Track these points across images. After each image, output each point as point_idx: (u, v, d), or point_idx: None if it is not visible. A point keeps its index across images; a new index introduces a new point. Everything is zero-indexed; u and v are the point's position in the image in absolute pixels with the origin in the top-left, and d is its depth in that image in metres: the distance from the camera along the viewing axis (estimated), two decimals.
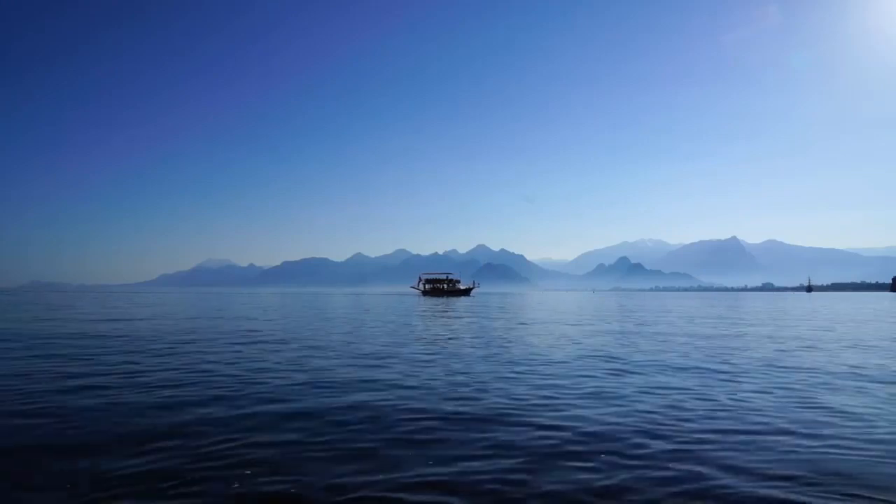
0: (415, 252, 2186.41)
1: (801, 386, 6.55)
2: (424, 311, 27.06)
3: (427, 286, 72.52)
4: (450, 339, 12.30)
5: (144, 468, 3.53)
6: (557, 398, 5.75)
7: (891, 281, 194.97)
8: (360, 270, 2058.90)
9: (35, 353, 9.38)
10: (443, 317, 21.67)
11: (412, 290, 78.64)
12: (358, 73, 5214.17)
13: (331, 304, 36.68)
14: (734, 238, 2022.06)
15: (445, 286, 71.64)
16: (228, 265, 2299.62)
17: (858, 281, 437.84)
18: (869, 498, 3.09)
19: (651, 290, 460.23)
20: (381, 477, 3.37)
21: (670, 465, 3.64)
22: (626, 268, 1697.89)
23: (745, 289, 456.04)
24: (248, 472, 3.47)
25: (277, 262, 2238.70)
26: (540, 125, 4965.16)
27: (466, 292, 73.36)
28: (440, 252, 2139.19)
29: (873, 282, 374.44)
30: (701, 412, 5.11)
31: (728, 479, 3.35)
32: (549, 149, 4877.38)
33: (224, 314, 23.04)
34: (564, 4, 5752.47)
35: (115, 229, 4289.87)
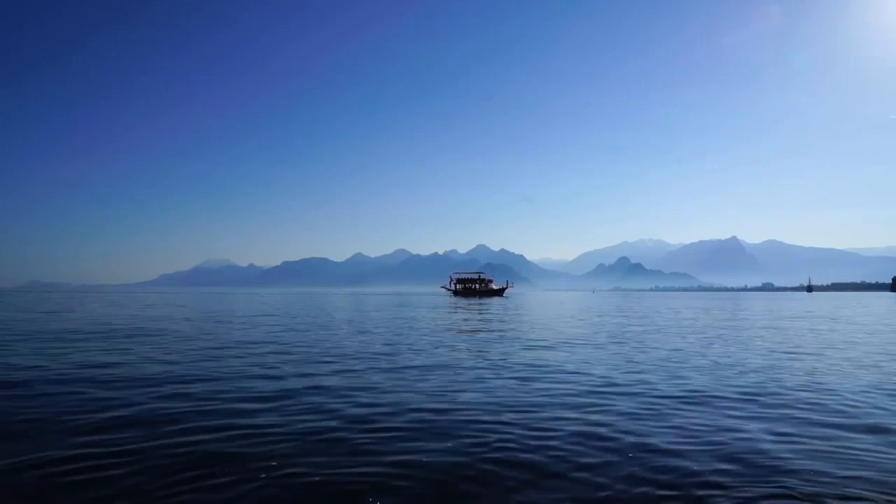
0: (415, 252, 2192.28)
1: None
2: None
3: (458, 286, 70.69)
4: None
5: None
6: None
7: (891, 281, 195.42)
8: (359, 270, 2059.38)
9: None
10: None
11: (443, 289, 76.36)
12: (358, 73, 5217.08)
13: (386, 305, 36.36)
14: (734, 238, 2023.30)
15: (477, 286, 69.62)
16: (228, 265, 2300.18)
17: (858, 281, 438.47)
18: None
19: (651, 290, 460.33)
20: None
21: None
22: (626, 268, 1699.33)
23: (745, 289, 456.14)
24: None
25: (277, 262, 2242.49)
26: (540, 125, 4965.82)
27: (500, 292, 70.80)
28: (440, 252, 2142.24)
29: (873, 282, 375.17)
30: None
31: None
32: (549, 149, 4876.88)
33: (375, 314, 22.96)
34: (564, 4, 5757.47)
35: (115, 229, 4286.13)
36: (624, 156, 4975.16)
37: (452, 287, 71.45)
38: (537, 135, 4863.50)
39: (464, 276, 72.12)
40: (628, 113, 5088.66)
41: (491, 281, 71.23)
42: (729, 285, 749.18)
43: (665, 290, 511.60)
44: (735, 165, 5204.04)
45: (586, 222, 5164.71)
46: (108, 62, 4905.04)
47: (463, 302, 42.49)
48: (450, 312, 25.30)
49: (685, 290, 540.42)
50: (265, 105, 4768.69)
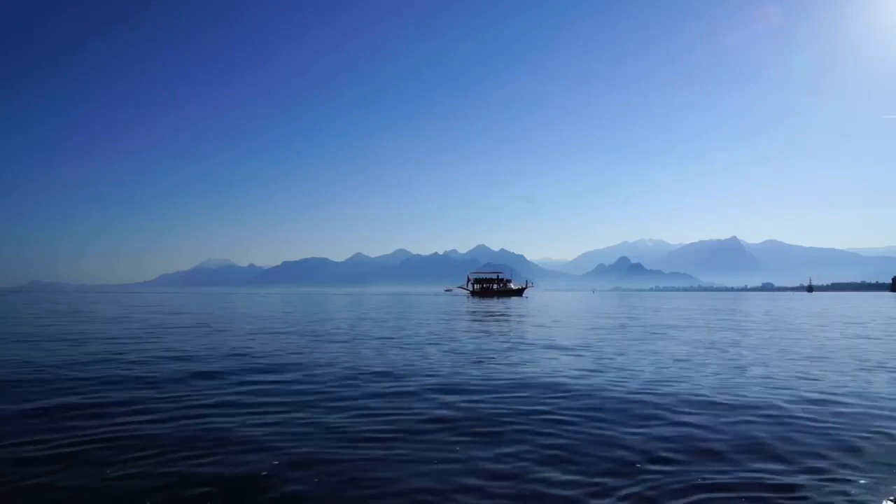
0: (415, 252, 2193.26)
1: None
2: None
3: (476, 286, 68.91)
4: None
5: None
6: None
7: (891, 281, 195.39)
8: (359, 270, 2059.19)
9: None
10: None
11: (461, 290, 73.99)
12: (358, 73, 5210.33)
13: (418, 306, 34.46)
14: (734, 238, 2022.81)
15: (496, 286, 67.85)
16: (228, 265, 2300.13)
17: (858, 281, 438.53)
18: None
19: (651, 290, 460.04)
20: None
21: None
22: (626, 268, 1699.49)
23: (745, 289, 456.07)
24: None
25: (277, 262, 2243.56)
26: (540, 125, 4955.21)
27: (519, 292, 68.44)
28: (440, 252, 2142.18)
29: (873, 282, 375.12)
30: None
31: None
32: (549, 149, 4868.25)
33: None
34: (564, 4, 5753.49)
35: (115, 229, 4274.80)
36: (624, 156, 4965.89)
37: (470, 287, 69.78)
38: (537, 135, 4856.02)
39: (482, 275, 70.33)
40: (628, 113, 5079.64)
41: (510, 281, 69.19)
42: (729, 285, 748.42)
43: (665, 290, 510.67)
44: (735, 165, 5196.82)
45: (586, 222, 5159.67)
46: (108, 62, 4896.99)
47: (493, 306, 35.49)
48: (516, 323, 21.26)
49: (685, 290, 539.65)
50: (265, 105, 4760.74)
